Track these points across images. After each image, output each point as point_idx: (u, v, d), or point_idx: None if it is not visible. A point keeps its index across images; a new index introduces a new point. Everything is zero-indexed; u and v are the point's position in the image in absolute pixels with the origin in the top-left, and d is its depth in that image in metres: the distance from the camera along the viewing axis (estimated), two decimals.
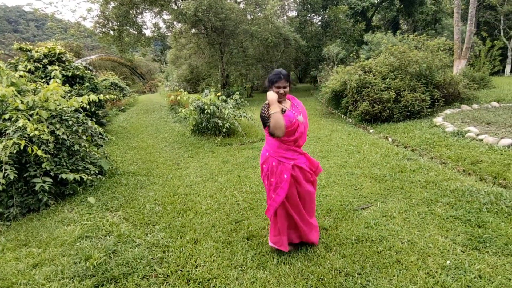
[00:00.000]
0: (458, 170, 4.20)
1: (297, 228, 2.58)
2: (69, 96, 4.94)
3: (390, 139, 6.14)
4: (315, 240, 2.66)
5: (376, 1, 20.37)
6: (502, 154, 4.44)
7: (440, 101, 7.85)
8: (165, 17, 15.93)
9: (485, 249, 2.48)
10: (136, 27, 15.50)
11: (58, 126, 4.18)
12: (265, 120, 2.36)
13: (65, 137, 4.17)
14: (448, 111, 7.65)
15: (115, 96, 15.20)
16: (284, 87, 2.33)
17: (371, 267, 2.38)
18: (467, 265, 2.30)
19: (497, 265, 2.29)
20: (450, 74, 8.67)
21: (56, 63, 7.88)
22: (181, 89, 9.10)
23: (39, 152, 3.54)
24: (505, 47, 19.87)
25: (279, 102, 2.38)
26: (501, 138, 5.02)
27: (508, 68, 20.11)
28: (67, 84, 5.47)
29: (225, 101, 8.22)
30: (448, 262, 2.36)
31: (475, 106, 8.10)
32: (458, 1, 11.90)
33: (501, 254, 2.41)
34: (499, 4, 20.37)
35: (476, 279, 2.17)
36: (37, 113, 3.90)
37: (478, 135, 5.41)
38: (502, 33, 20.74)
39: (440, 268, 2.30)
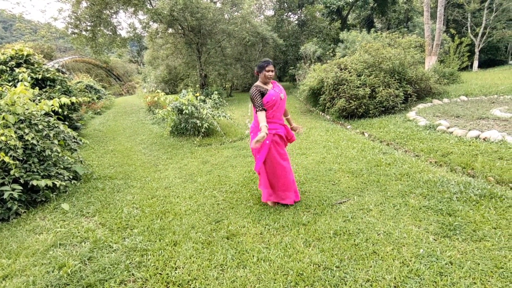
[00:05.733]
0: (430, 162, 4.36)
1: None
2: (38, 100, 4.75)
3: (366, 134, 6.30)
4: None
5: (350, 0, 20.80)
6: (470, 145, 4.66)
7: (413, 96, 8.13)
8: (141, 17, 15.58)
9: (455, 236, 2.58)
10: (111, 27, 15.05)
11: (27, 131, 4.00)
12: (253, 101, 3.06)
13: (35, 142, 4.01)
14: (420, 106, 7.94)
15: (90, 99, 14.74)
16: (272, 71, 3.09)
17: (349, 259, 2.43)
18: (439, 253, 2.39)
19: (466, 251, 2.39)
20: (421, 70, 8.99)
21: (24, 65, 7.53)
22: (158, 90, 8.94)
23: (7, 159, 3.38)
24: (472, 44, 20.83)
25: (266, 83, 3.18)
26: (469, 130, 5.26)
27: (475, 63, 21.09)
28: (37, 87, 5.22)
29: (204, 101, 8.16)
30: (421, 250, 2.44)
31: (445, 100, 8.44)
32: None
33: (470, 240, 2.52)
34: (466, 3, 21.31)
35: (447, 265, 2.26)
36: (3, 118, 3.72)
37: (448, 128, 5.64)
38: (469, 30, 21.72)
39: (414, 256, 2.38)
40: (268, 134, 3.06)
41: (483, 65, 23.01)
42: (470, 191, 3.29)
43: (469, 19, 21.86)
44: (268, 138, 3.13)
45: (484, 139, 4.85)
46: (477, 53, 21.13)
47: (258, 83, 3.18)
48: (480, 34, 20.82)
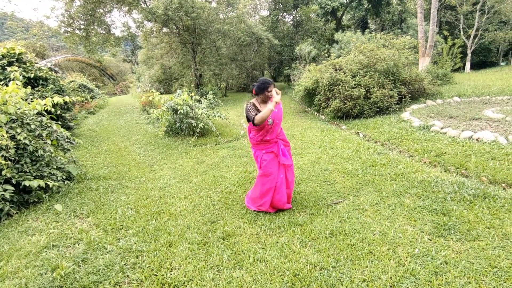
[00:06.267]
0: (425, 162, 4.40)
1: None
2: (31, 99, 4.68)
3: (361, 135, 6.33)
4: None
5: (345, 1, 20.93)
6: (463, 146, 4.71)
7: (407, 97, 8.20)
8: (135, 16, 15.49)
9: (450, 236, 2.61)
10: (105, 26, 14.92)
11: (19, 130, 3.94)
12: (248, 113, 3.07)
13: (27, 142, 3.94)
14: (414, 106, 8.00)
15: (83, 98, 14.59)
16: (271, 91, 3.09)
17: (345, 259, 2.43)
18: (434, 252, 2.41)
19: (461, 251, 2.41)
20: (415, 71, 9.07)
21: (16, 64, 7.42)
22: (153, 90, 8.88)
23: None
24: (464, 45, 21.10)
25: (266, 102, 3.13)
26: (462, 130, 5.32)
27: (468, 65, 21.35)
28: (29, 86, 5.14)
29: (199, 101, 8.13)
30: (416, 250, 2.46)
31: (439, 101, 8.52)
32: (421, 1, 12.46)
33: (464, 239, 2.54)
34: (458, 5, 21.58)
35: (442, 265, 2.27)
36: None
37: (442, 128, 5.69)
38: (461, 32, 21.99)
39: (409, 256, 2.40)
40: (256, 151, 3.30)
41: (475, 66, 23.34)
42: (464, 191, 3.32)
43: (461, 21, 22.13)
44: (259, 155, 3.27)
45: (477, 140, 4.90)
46: (469, 54, 21.41)
47: (254, 100, 3.15)
48: (472, 36, 21.09)
